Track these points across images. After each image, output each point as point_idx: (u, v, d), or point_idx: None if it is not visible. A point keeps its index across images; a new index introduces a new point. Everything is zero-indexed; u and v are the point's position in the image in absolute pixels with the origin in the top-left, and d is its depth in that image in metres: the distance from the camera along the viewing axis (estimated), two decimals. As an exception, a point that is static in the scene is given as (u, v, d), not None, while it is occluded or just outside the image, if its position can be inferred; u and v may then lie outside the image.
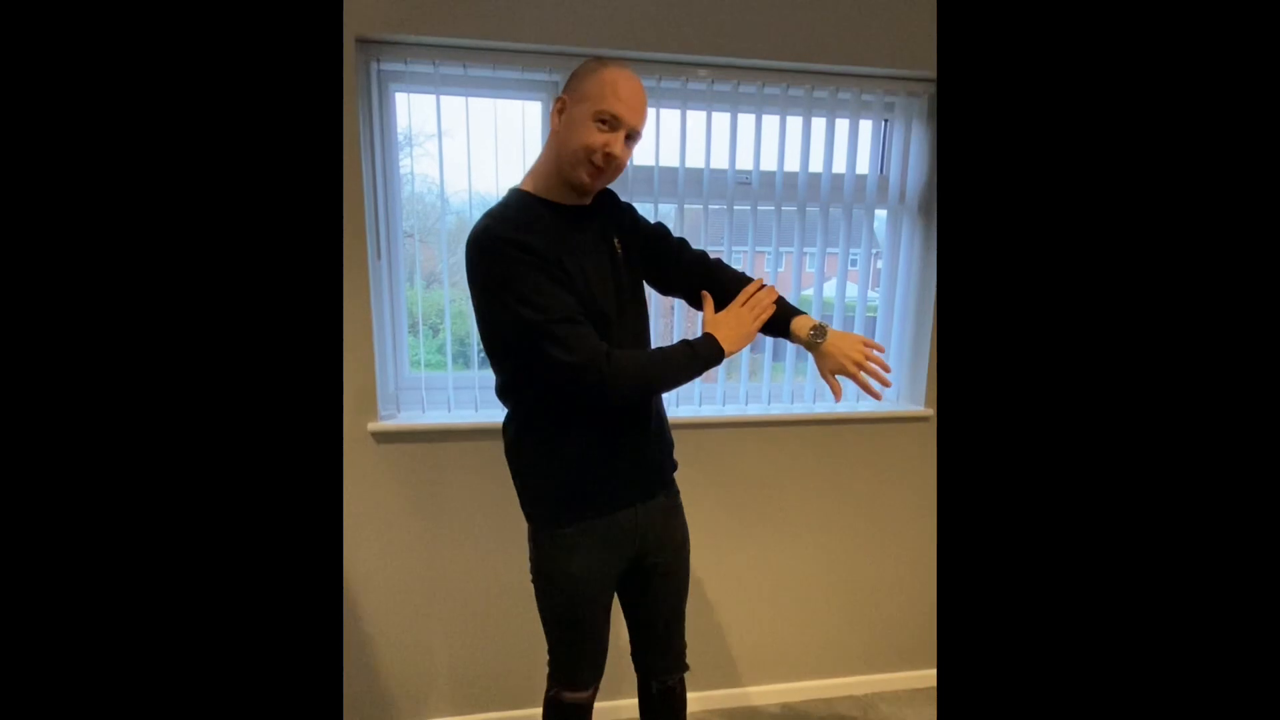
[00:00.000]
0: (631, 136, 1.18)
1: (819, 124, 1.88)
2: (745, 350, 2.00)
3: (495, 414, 1.84)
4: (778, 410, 2.00)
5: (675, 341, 1.21)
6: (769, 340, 1.98)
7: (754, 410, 1.99)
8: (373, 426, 1.76)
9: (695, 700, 2.07)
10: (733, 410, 1.98)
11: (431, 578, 1.88)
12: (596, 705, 1.41)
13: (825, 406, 2.03)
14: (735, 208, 1.88)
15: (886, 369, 1.26)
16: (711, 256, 1.37)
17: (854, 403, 2.06)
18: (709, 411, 1.96)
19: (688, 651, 1.46)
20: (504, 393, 1.28)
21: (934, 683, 2.21)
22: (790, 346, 1.99)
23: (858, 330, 2.03)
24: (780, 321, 1.29)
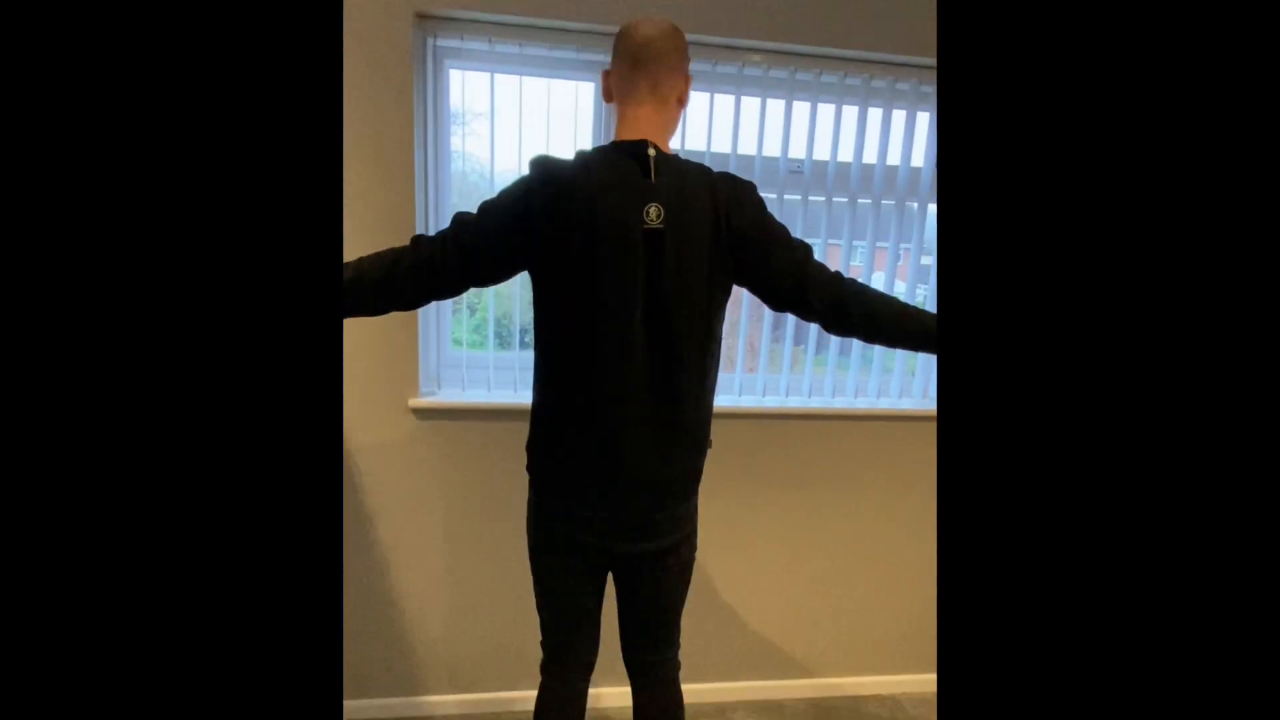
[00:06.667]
0: None
1: (875, 114, 1.84)
2: (787, 342, 1.98)
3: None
4: (818, 403, 1.97)
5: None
6: (811, 334, 1.96)
7: (794, 403, 1.97)
8: (413, 402, 1.77)
9: (721, 691, 2.08)
10: (772, 402, 1.96)
11: (464, 552, 1.89)
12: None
13: (866, 402, 2.01)
14: (786, 197, 1.85)
15: None
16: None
17: (896, 399, 2.04)
18: (749, 402, 1.95)
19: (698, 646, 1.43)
20: (709, 347, 1.22)
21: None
22: (834, 341, 1.96)
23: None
24: None
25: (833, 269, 1.22)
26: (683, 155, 1.24)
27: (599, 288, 1.12)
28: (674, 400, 1.17)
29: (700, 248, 1.13)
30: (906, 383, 2.06)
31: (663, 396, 1.16)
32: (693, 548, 1.32)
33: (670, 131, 1.21)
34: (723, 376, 1.93)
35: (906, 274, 1.99)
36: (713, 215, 1.13)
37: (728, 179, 1.18)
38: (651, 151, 1.12)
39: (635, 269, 1.11)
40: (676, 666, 1.39)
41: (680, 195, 1.12)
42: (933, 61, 1.78)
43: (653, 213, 1.10)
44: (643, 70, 1.15)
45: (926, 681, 2.19)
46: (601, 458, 1.18)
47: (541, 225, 1.12)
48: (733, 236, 1.14)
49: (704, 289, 1.15)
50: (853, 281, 1.21)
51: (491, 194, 1.19)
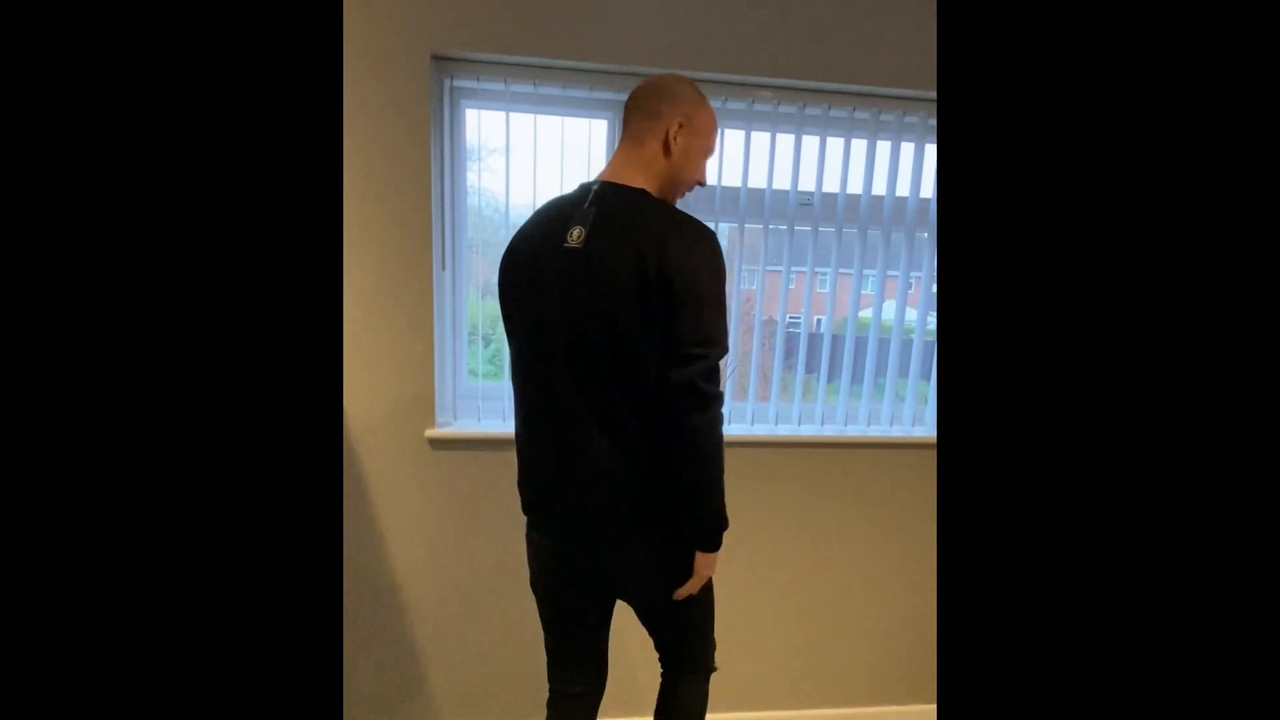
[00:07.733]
0: None
1: (884, 147, 1.87)
2: (799, 367, 2.00)
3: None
4: (830, 432, 1.98)
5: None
6: (823, 362, 1.97)
7: (806, 431, 1.97)
8: (429, 433, 1.79)
9: (737, 722, 2.06)
10: (785, 430, 1.97)
11: (479, 582, 1.90)
12: None
13: (880, 430, 2.01)
14: (796, 228, 1.87)
15: None
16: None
17: (909, 427, 2.04)
18: (761, 430, 1.95)
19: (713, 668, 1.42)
20: (707, 382, 1.12)
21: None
22: (846, 369, 1.97)
23: (915, 354, 2.02)
24: None
25: (712, 393, 1.11)
26: (696, 189, 1.28)
27: (525, 308, 1.18)
28: (612, 428, 1.13)
29: (625, 274, 1.08)
30: (919, 411, 2.06)
31: (602, 423, 1.13)
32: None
33: (654, 172, 1.18)
34: (736, 405, 1.95)
35: (918, 302, 2.00)
36: (638, 247, 1.07)
37: (677, 223, 1.12)
38: (597, 186, 1.17)
39: (552, 287, 1.13)
40: (695, 688, 1.38)
41: (612, 221, 1.11)
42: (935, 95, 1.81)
43: (575, 234, 1.12)
44: (625, 120, 1.22)
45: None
46: (550, 488, 1.21)
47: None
48: (659, 276, 1.07)
49: (633, 315, 1.08)
50: (701, 417, 1.10)
51: (506, 229, 1.23)
